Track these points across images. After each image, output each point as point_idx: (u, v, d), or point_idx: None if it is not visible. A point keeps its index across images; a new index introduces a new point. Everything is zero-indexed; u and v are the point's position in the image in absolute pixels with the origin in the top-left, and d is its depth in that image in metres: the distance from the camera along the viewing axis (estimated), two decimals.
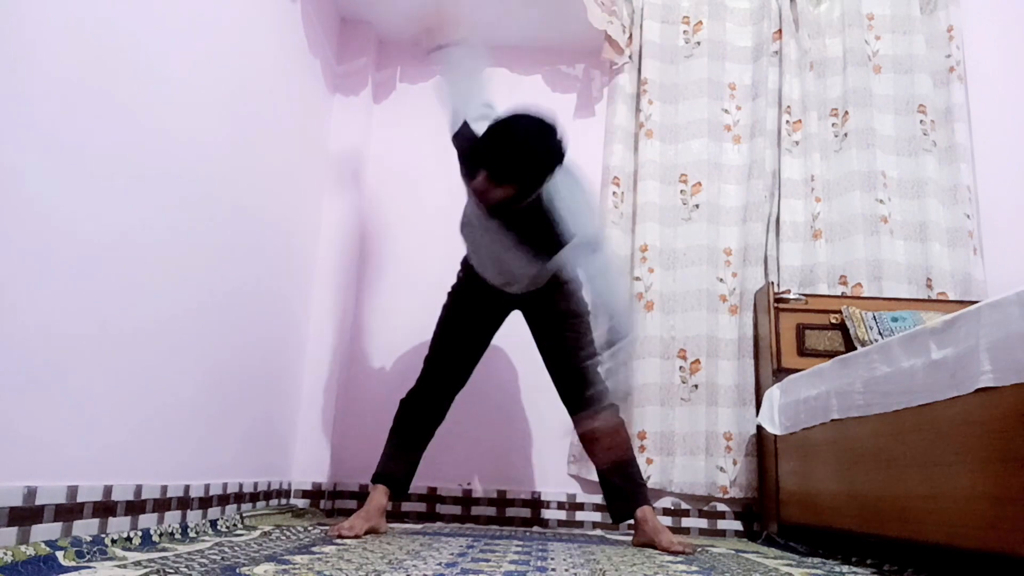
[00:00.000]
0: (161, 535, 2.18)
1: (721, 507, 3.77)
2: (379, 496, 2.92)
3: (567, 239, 2.57)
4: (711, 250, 3.99)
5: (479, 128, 2.52)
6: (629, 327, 2.66)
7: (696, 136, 4.13)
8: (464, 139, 2.69)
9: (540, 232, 2.61)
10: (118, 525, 2.09)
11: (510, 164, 2.39)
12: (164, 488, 2.36)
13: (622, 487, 2.90)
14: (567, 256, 2.63)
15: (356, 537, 2.60)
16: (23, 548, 1.58)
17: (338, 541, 2.43)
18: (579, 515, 3.81)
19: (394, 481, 3.00)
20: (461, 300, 3.11)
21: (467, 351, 3.08)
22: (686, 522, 3.74)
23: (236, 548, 2.06)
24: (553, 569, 1.94)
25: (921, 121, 4.10)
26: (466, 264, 3.10)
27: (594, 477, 3.18)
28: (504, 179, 2.41)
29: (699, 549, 2.79)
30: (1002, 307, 1.85)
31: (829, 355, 3.33)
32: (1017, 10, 4.38)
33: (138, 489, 2.20)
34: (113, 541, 1.92)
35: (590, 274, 2.70)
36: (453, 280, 3.20)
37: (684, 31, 4.29)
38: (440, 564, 1.91)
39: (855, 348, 3.39)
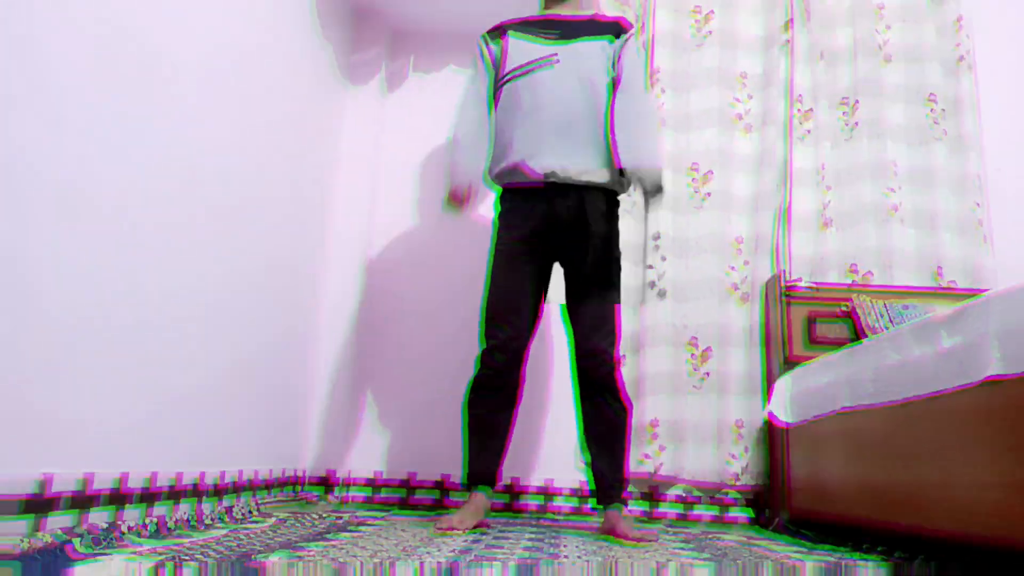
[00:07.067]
0: (175, 523, 2.19)
1: (731, 496, 3.77)
2: (480, 497, 2.84)
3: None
4: (722, 239, 3.98)
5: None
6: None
7: (707, 125, 4.12)
8: None
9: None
10: (132, 514, 2.11)
11: None
12: (179, 476, 2.38)
13: (606, 475, 2.87)
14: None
15: (463, 531, 2.56)
16: (37, 537, 1.59)
17: (352, 529, 2.43)
18: (590, 505, 3.81)
19: (487, 479, 2.88)
20: (506, 250, 2.97)
21: (522, 305, 2.93)
22: (696, 511, 3.75)
23: (250, 536, 2.07)
24: (566, 556, 1.94)
25: (931, 110, 4.09)
26: (508, 197, 3.05)
27: None
28: None
29: (657, 537, 2.74)
30: (1012, 296, 1.85)
31: (839, 344, 3.33)
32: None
33: (152, 477, 2.21)
34: (128, 529, 1.94)
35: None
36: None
37: (695, 20, 4.28)
38: (453, 551, 1.92)
39: (865, 338, 3.39)
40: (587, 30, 3.07)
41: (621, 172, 2.95)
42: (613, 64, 3.05)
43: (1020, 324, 1.79)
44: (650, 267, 3.95)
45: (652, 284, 3.92)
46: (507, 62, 3.08)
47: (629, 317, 3.92)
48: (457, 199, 2.97)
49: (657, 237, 3.96)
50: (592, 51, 3.02)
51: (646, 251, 3.98)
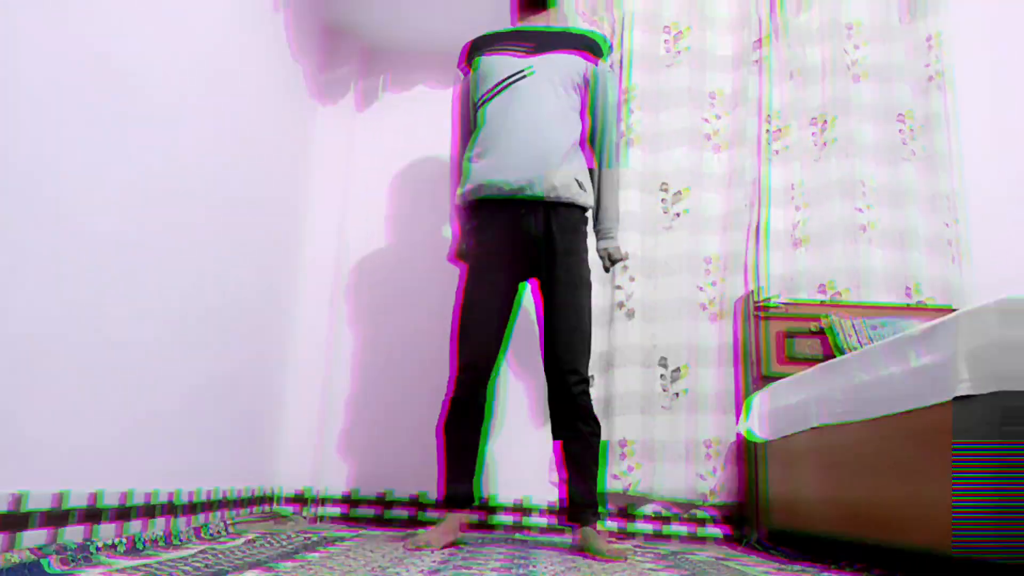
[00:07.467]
0: (147, 542, 2.18)
1: (705, 513, 3.76)
2: (454, 516, 2.84)
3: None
4: (693, 258, 3.99)
5: None
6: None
7: (678, 144, 4.13)
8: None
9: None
10: (104, 532, 2.10)
11: None
12: (150, 495, 2.37)
13: (580, 494, 2.89)
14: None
15: (434, 551, 2.55)
16: (10, 555, 1.58)
17: (322, 548, 2.42)
18: (562, 522, 3.80)
19: (462, 500, 2.88)
20: (475, 265, 2.99)
21: (488, 320, 2.93)
22: (671, 528, 3.75)
23: (221, 555, 2.07)
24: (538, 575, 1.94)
25: (901, 130, 4.13)
26: (478, 212, 3.04)
27: None
28: None
29: (632, 553, 2.75)
30: (980, 315, 1.87)
31: (811, 362, 3.35)
32: (1003, 16, 4.41)
33: (124, 495, 2.21)
34: (99, 548, 1.93)
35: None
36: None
37: (666, 40, 4.30)
38: (422, 572, 1.92)
39: (837, 355, 3.41)
40: (562, 42, 3.11)
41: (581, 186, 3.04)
42: (589, 84, 3.12)
43: (988, 343, 1.81)
44: (618, 287, 3.96)
45: (620, 304, 3.93)
46: (482, 84, 3.10)
47: (597, 337, 3.90)
48: (458, 261, 3.18)
49: (625, 258, 3.96)
50: (567, 63, 3.05)
51: (614, 272, 3.98)
